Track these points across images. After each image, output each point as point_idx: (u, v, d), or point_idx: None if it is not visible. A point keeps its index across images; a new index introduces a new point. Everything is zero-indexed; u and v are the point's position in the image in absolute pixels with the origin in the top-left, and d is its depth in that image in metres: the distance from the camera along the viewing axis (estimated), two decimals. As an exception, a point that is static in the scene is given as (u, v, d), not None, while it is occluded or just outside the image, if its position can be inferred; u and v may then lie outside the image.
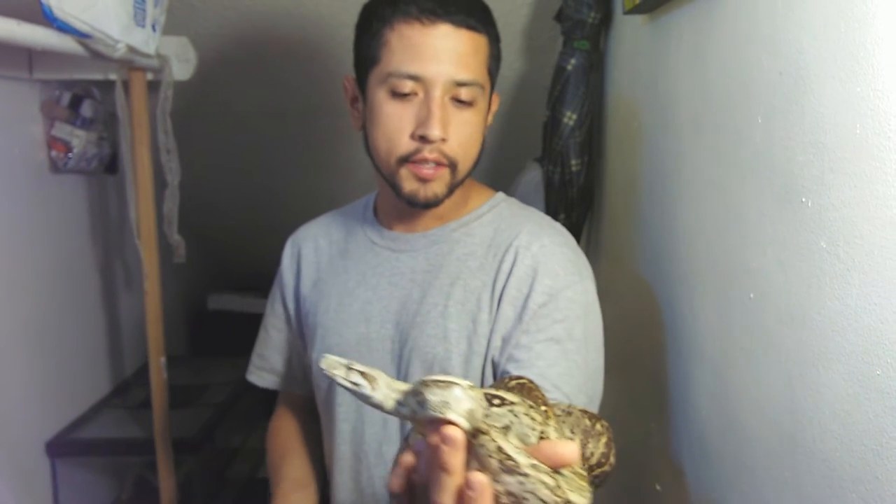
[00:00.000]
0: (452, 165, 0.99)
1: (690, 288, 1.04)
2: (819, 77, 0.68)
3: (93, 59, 1.36)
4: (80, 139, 1.68)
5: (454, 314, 1.01)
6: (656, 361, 1.18)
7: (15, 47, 1.25)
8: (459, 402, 0.58)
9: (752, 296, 0.83)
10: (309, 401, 1.19)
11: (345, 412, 1.06)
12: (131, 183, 1.59)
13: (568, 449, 0.61)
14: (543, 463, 0.60)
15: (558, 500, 0.58)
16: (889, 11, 0.59)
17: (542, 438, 0.69)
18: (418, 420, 0.62)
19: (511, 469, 0.58)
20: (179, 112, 1.67)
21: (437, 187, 1.00)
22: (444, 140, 0.96)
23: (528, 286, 0.99)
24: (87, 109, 1.70)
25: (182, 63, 1.67)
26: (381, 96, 0.98)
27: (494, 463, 0.58)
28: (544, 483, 0.58)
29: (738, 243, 0.86)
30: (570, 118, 1.55)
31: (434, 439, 0.57)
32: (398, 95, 0.97)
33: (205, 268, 2.78)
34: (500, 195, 1.12)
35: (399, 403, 0.64)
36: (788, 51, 0.74)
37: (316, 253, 1.16)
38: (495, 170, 2.11)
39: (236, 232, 2.65)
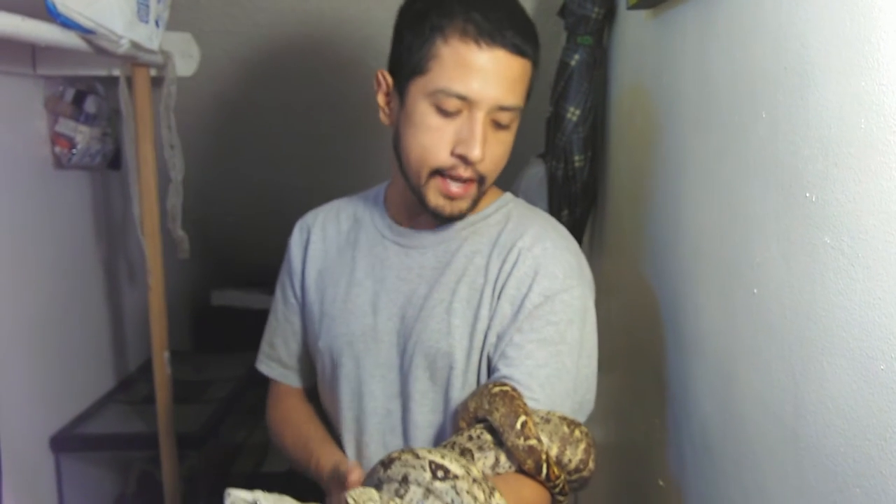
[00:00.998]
0: (481, 181, 1.01)
1: (694, 283, 1.04)
2: (824, 72, 0.68)
3: (96, 54, 1.36)
4: (83, 135, 1.68)
5: (458, 310, 1.02)
6: (659, 357, 1.18)
7: (19, 43, 1.26)
8: None
9: (755, 291, 0.83)
10: (310, 391, 1.21)
11: (348, 402, 1.07)
12: (135, 179, 1.60)
13: None
14: None
15: None
16: (894, 6, 0.59)
17: None
18: None
19: None
20: (183, 108, 1.68)
21: (464, 204, 1.02)
22: (482, 161, 0.97)
23: (526, 286, 1.00)
24: (90, 105, 1.71)
25: (185, 59, 1.67)
26: (424, 107, 0.97)
27: None
28: None
29: (742, 238, 0.86)
30: (573, 114, 1.55)
31: None
32: (443, 112, 0.96)
33: (208, 263, 2.78)
34: (509, 195, 1.13)
35: None
36: (793, 46, 0.74)
37: (324, 241, 1.16)
38: (498, 165, 2.11)
39: (240, 227, 2.65)
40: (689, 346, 1.06)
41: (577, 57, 1.53)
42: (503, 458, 0.90)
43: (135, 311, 2.04)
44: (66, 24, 1.20)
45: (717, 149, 0.95)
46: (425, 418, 1.02)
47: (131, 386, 1.98)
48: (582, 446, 0.94)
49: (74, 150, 1.67)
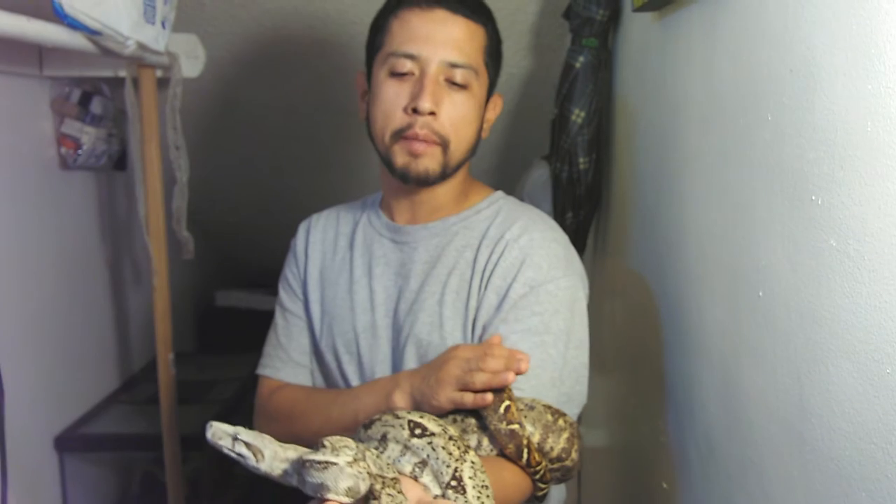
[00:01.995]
0: (444, 144, 1.03)
1: (699, 286, 1.04)
2: (829, 74, 0.68)
3: (103, 56, 1.36)
4: (89, 136, 1.68)
5: (450, 302, 1.04)
6: (664, 359, 1.18)
7: (25, 44, 1.26)
8: (337, 483, 0.61)
9: (761, 294, 0.82)
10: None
11: None
12: (140, 180, 1.60)
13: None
14: None
15: None
16: (901, 8, 0.59)
17: (455, 477, 0.71)
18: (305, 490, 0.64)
19: None
20: (188, 109, 1.68)
21: (429, 163, 1.03)
22: (433, 114, 1.01)
23: (511, 276, 1.01)
24: (96, 106, 1.71)
25: (191, 60, 1.68)
26: (381, 76, 1.04)
27: None
28: None
29: (748, 241, 0.86)
30: (578, 116, 1.55)
31: None
32: (396, 74, 1.03)
33: (213, 264, 2.79)
34: (500, 193, 1.15)
35: (286, 473, 0.66)
36: (799, 48, 0.73)
37: (324, 242, 1.18)
38: (503, 167, 2.11)
39: (245, 228, 2.66)
40: (694, 348, 1.05)
41: (581, 59, 1.53)
42: (486, 441, 0.92)
43: (139, 312, 2.05)
44: (73, 25, 1.21)
45: (723, 151, 0.95)
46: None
47: (135, 386, 1.98)
48: (565, 435, 0.95)
49: (80, 151, 1.67)
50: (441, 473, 0.73)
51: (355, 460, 0.64)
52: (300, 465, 0.63)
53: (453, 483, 0.72)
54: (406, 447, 0.75)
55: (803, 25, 0.73)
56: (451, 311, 1.03)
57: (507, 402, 0.90)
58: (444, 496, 0.73)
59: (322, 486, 0.61)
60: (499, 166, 2.12)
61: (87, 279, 1.83)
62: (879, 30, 0.61)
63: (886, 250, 0.61)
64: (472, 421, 0.93)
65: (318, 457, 0.63)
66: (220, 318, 2.72)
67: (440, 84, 1.01)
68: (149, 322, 1.71)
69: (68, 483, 1.67)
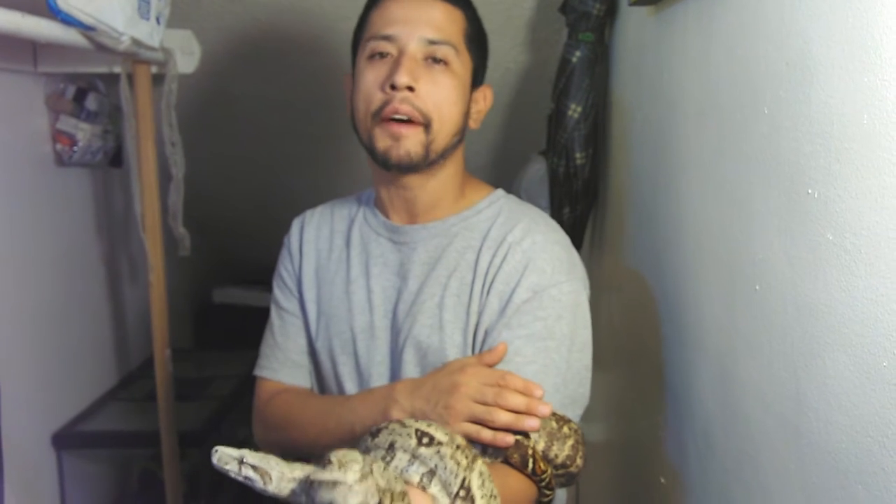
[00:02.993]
0: (426, 124, 1.00)
1: (696, 280, 1.04)
2: (826, 67, 0.68)
3: (97, 51, 1.36)
4: (84, 132, 1.68)
5: (450, 305, 1.02)
6: (661, 354, 1.18)
7: (19, 40, 1.26)
8: (346, 501, 0.61)
9: (757, 287, 0.82)
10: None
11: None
12: (136, 176, 1.60)
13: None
14: None
15: None
16: (897, 1, 0.59)
17: (463, 486, 0.71)
18: None
19: None
20: (184, 105, 1.68)
21: (410, 145, 1.00)
22: (411, 89, 0.99)
23: (515, 281, 1.00)
24: (91, 102, 1.71)
25: (186, 56, 1.67)
26: (361, 64, 1.04)
27: None
28: None
29: (744, 235, 0.86)
30: (574, 111, 1.55)
31: None
32: (375, 57, 1.02)
33: (210, 261, 2.78)
34: (500, 192, 1.12)
35: (294, 493, 0.65)
36: (795, 41, 0.73)
37: (318, 240, 1.16)
38: (500, 162, 2.11)
39: (241, 225, 2.65)
40: (691, 342, 1.06)
41: (578, 54, 1.53)
42: (490, 449, 0.91)
43: (136, 309, 2.05)
44: (67, 20, 1.20)
45: (719, 145, 0.95)
46: None
47: (133, 383, 1.98)
48: (570, 442, 0.94)
49: (75, 148, 1.67)
50: (449, 483, 0.72)
51: (363, 476, 0.64)
52: (308, 485, 0.63)
53: (462, 493, 0.72)
54: (414, 456, 0.75)
55: (800, 18, 0.73)
56: (452, 313, 1.02)
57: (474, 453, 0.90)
58: None
59: None
60: (495, 162, 2.12)
61: (84, 276, 1.83)
62: (876, 22, 0.61)
63: (883, 244, 0.61)
64: None
65: (326, 476, 0.63)
66: (217, 314, 2.72)
67: (419, 62, 1.00)
68: (146, 319, 1.71)
69: (66, 480, 1.67)
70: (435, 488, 0.72)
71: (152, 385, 1.69)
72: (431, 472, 0.73)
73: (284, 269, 1.17)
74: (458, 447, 0.74)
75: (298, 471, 0.66)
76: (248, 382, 2.03)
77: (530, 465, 0.89)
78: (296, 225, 1.19)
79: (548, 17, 1.75)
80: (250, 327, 1.75)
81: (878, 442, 0.61)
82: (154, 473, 1.87)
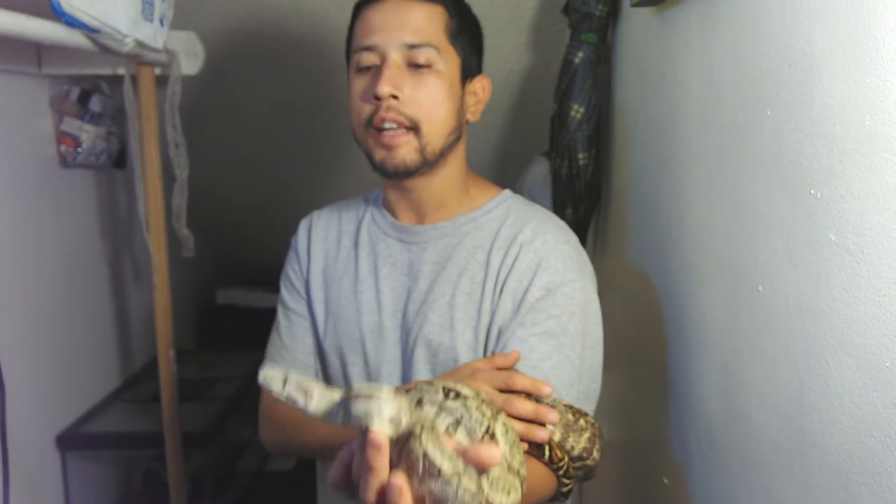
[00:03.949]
0: (415, 128, 1.01)
1: (698, 281, 1.04)
2: (828, 68, 0.68)
3: (101, 53, 1.36)
4: (88, 134, 1.68)
5: (461, 304, 1.03)
6: (664, 355, 1.18)
7: (24, 42, 1.26)
8: (381, 411, 0.63)
9: (760, 288, 0.82)
10: None
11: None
12: (140, 177, 1.60)
13: (489, 452, 0.65)
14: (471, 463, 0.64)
15: (480, 502, 0.62)
16: (899, 2, 0.59)
17: (488, 432, 0.73)
18: (349, 427, 0.66)
19: (435, 475, 0.62)
20: (187, 106, 1.68)
21: (405, 153, 1.02)
22: (395, 98, 1.00)
23: (528, 280, 1.01)
24: (95, 104, 1.71)
25: (190, 57, 1.67)
26: (351, 76, 1.06)
27: (421, 468, 0.62)
28: (466, 489, 0.62)
29: (747, 236, 0.86)
30: (577, 112, 1.55)
31: (361, 440, 0.63)
32: (361, 70, 1.03)
33: (213, 262, 2.79)
34: (508, 192, 1.13)
35: (332, 413, 0.68)
36: (797, 42, 0.73)
37: (326, 240, 1.16)
38: (503, 163, 2.11)
39: (245, 226, 2.65)
40: (694, 343, 1.06)
41: (580, 55, 1.53)
42: None
43: (140, 310, 2.05)
44: (71, 22, 1.21)
45: (722, 146, 0.95)
46: None
47: (137, 384, 1.99)
48: (586, 435, 0.95)
49: (79, 149, 1.67)
50: (474, 430, 0.74)
51: (397, 394, 0.67)
52: (347, 397, 0.67)
53: (486, 439, 0.74)
54: (441, 408, 0.76)
55: (802, 19, 0.73)
56: (462, 312, 1.02)
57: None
58: None
59: (367, 414, 0.64)
60: (498, 163, 2.12)
61: (88, 277, 1.83)
62: (878, 23, 0.61)
63: (885, 244, 0.61)
64: None
65: (363, 390, 0.66)
66: (220, 315, 2.72)
67: (401, 69, 1.01)
68: (149, 320, 1.71)
69: (70, 481, 1.67)
70: (461, 435, 0.75)
71: (156, 386, 1.69)
72: (457, 421, 0.75)
73: (292, 270, 1.18)
74: (482, 401, 0.76)
75: (337, 393, 0.69)
76: (253, 383, 2.04)
77: (547, 452, 0.90)
78: (303, 226, 1.20)
79: (550, 18, 1.75)
80: (254, 328, 1.75)
81: (881, 443, 0.61)
82: (158, 474, 1.87)
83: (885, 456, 0.61)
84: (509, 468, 0.68)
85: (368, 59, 1.02)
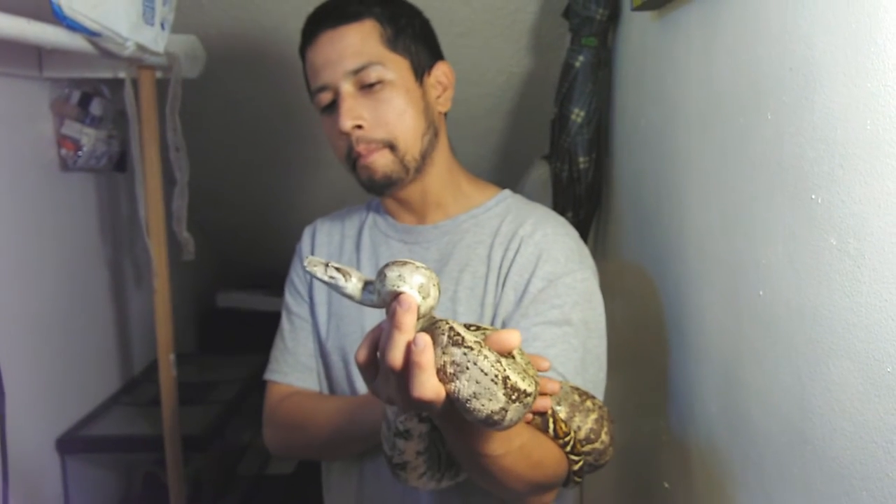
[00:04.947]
0: (389, 145, 1.04)
1: (699, 285, 1.04)
2: (829, 73, 0.68)
3: (102, 57, 1.36)
4: (89, 137, 1.68)
5: (463, 298, 1.04)
6: (664, 358, 1.18)
7: (25, 46, 1.26)
8: (413, 276, 0.68)
9: (761, 293, 0.82)
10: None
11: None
12: (140, 181, 1.60)
13: (509, 335, 0.70)
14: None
15: (497, 373, 0.65)
16: (900, 6, 0.59)
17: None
18: (382, 302, 0.71)
19: (457, 342, 0.66)
20: (188, 110, 1.68)
21: (386, 169, 1.05)
22: (359, 127, 1.03)
23: (529, 272, 1.02)
24: (96, 108, 1.71)
25: (191, 61, 1.67)
26: (321, 118, 1.09)
27: (445, 338, 0.66)
28: (486, 356, 0.65)
29: (748, 240, 0.86)
30: (578, 115, 1.55)
31: (392, 305, 0.66)
32: (325, 111, 1.06)
33: (214, 265, 2.79)
34: (507, 192, 1.16)
35: (367, 291, 0.73)
36: (798, 47, 0.73)
37: (329, 245, 1.19)
38: (503, 167, 2.11)
39: (245, 229, 2.65)
40: (694, 347, 1.05)
41: (581, 58, 1.53)
42: None
43: (140, 313, 2.05)
44: (72, 26, 1.21)
45: (722, 150, 0.95)
46: None
47: (137, 388, 1.98)
48: (593, 416, 0.94)
49: (80, 153, 1.67)
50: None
51: (428, 269, 0.70)
52: (380, 272, 0.70)
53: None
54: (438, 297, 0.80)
55: (803, 24, 0.73)
56: (465, 307, 1.04)
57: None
58: None
59: (399, 278, 0.68)
60: (498, 166, 2.12)
61: (88, 281, 1.83)
62: (879, 28, 0.61)
63: (887, 249, 0.60)
64: None
65: (398, 260, 0.71)
66: (221, 319, 2.72)
67: (355, 96, 1.03)
68: (150, 323, 1.71)
69: (70, 484, 1.67)
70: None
71: (156, 389, 1.69)
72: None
73: (296, 275, 1.20)
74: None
75: (371, 277, 0.74)
76: (253, 386, 2.04)
77: (551, 426, 0.89)
78: (307, 232, 1.22)
79: (551, 22, 1.75)
80: (254, 331, 1.75)
81: (882, 448, 0.61)
82: (158, 477, 1.87)
83: (886, 461, 0.61)
84: (525, 370, 0.70)
85: (325, 97, 1.05)
